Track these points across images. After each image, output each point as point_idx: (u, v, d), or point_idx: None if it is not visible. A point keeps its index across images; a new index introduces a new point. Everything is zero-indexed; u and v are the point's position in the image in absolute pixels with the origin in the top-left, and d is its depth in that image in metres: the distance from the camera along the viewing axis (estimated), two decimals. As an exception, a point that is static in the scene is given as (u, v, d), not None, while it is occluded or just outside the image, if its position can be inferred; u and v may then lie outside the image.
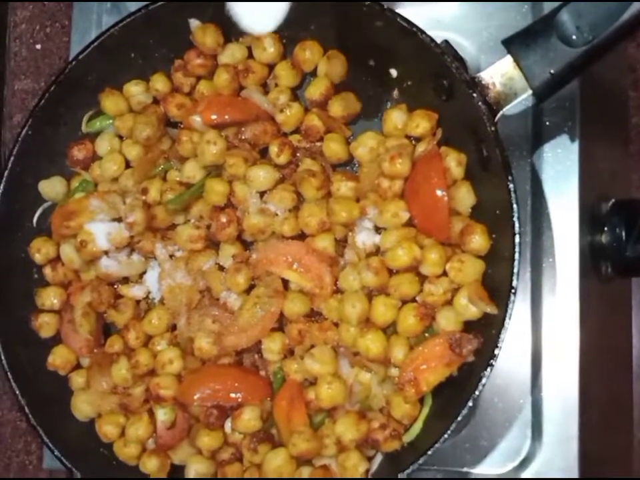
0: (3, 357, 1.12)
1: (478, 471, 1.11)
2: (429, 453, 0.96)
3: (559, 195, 1.12)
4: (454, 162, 1.04)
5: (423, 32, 1.02)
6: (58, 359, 1.14)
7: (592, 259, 1.13)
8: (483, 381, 0.95)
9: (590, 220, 1.12)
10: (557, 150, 1.12)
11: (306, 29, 1.13)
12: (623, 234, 1.10)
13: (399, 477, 0.98)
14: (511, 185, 0.96)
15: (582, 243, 1.11)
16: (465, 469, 1.11)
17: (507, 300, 0.95)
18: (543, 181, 1.12)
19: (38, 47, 1.42)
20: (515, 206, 0.96)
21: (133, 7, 1.14)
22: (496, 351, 0.95)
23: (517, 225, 0.95)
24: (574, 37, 0.95)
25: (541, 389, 1.10)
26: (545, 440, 1.09)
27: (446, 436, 0.95)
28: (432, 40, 1.02)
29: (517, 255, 0.95)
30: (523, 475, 1.10)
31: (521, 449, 1.10)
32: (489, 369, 0.95)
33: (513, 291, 0.95)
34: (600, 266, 1.14)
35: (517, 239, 0.95)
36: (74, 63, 1.13)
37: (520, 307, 1.09)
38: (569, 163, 1.12)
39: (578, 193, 1.11)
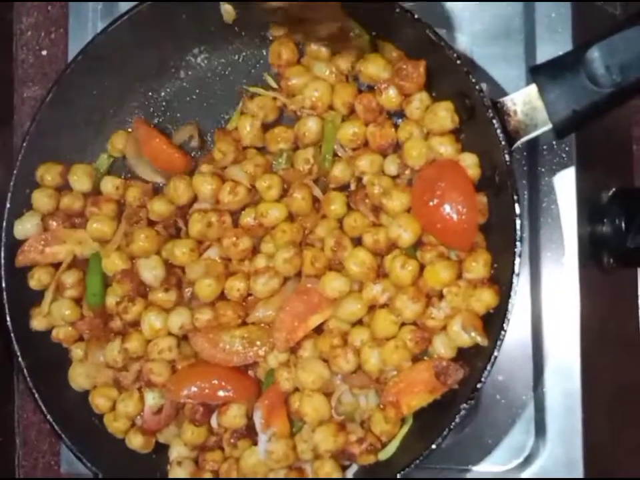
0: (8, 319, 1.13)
1: (482, 468, 1.11)
2: (402, 473, 0.96)
3: (556, 185, 1.10)
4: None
5: (450, 47, 1.00)
6: (61, 331, 1.15)
7: (593, 250, 1.11)
8: (462, 413, 0.94)
9: (589, 210, 1.10)
10: (552, 140, 1.09)
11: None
12: (623, 224, 1.08)
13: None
14: (518, 222, 0.94)
15: (581, 234, 1.09)
16: (469, 467, 1.11)
17: (497, 335, 0.94)
18: (539, 172, 1.10)
19: (44, 53, 1.44)
20: (518, 243, 0.94)
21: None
22: (478, 385, 0.94)
23: (517, 261, 0.93)
24: (602, 76, 0.92)
25: (544, 384, 1.09)
26: (549, 436, 1.08)
27: (417, 462, 0.96)
28: (459, 57, 0.99)
29: (512, 293, 0.93)
30: (528, 471, 1.09)
31: (524, 446, 1.10)
32: (468, 402, 0.95)
33: (504, 328, 0.93)
34: (601, 257, 1.12)
35: (515, 279, 0.94)
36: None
37: (520, 302, 1.07)
38: (566, 153, 1.10)
39: (575, 183, 1.09)
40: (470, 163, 1.01)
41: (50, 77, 1.43)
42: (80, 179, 1.16)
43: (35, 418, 1.40)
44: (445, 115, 1.02)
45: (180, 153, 1.16)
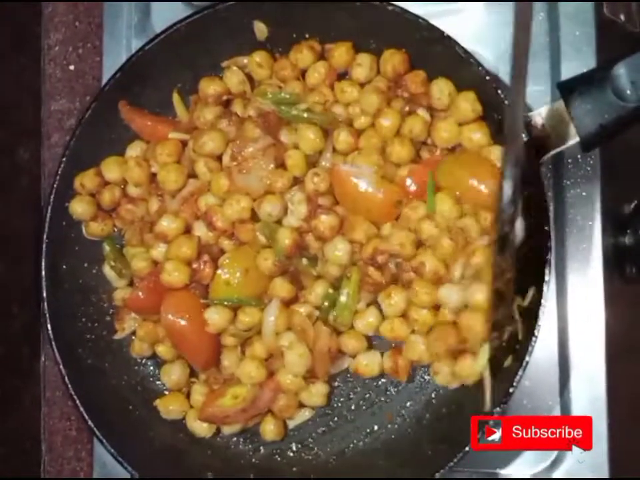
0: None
1: (509, 471, 1.13)
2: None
3: (581, 197, 1.13)
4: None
5: (479, 64, 1.04)
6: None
7: (616, 261, 1.14)
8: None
9: (613, 222, 1.13)
10: (577, 154, 1.13)
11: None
12: (646, 236, 1.11)
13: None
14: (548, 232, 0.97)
15: (606, 245, 1.12)
16: (496, 470, 1.13)
17: (529, 341, 0.98)
18: (565, 184, 1.13)
19: (71, 67, 1.46)
20: (549, 252, 0.97)
21: (159, 28, 1.18)
22: (510, 390, 0.99)
23: (547, 270, 0.97)
24: (628, 91, 0.95)
25: (570, 390, 1.11)
26: (575, 440, 1.11)
27: (451, 465, 1.02)
28: (488, 73, 1.03)
29: (543, 301, 0.97)
30: (554, 475, 1.11)
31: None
32: (501, 407, 0.99)
33: (535, 334, 0.98)
34: (624, 267, 1.14)
35: (545, 287, 0.97)
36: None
37: (547, 309, 1.10)
38: (591, 167, 1.13)
39: (600, 195, 1.12)
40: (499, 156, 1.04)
41: (77, 91, 1.45)
42: (112, 170, 1.20)
43: (60, 425, 1.41)
44: (465, 105, 1.06)
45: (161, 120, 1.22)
